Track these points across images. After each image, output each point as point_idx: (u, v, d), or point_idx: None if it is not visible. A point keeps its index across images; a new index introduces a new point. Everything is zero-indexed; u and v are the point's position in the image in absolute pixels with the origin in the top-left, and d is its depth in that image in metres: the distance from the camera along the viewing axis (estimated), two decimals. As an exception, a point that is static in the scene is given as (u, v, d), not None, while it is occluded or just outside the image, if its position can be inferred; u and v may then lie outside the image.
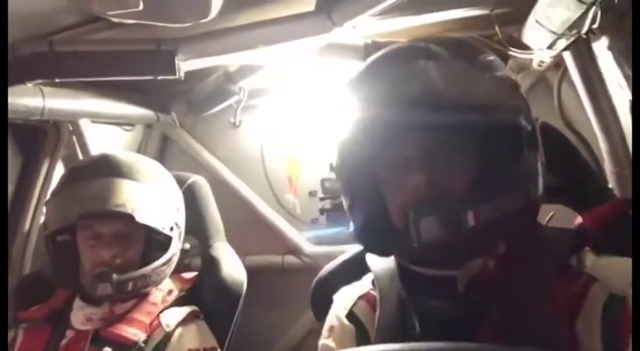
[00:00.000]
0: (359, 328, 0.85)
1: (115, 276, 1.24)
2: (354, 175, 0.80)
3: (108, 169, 1.30)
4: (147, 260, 1.32)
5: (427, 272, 0.74)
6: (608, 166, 1.41)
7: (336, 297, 0.94)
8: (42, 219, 1.83)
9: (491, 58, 0.76)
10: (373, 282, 0.88)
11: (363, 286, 0.92)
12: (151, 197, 1.31)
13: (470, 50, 0.76)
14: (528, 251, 0.73)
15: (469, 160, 0.72)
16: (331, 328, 0.90)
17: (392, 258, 0.84)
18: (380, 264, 0.87)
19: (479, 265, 0.72)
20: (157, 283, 1.36)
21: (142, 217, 1.26)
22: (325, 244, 2.09)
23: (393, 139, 0.73)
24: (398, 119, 0.70)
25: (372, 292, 0.88)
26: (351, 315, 0.88)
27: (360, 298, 0.89)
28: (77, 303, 1.33)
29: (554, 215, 0.99)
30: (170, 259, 1.35)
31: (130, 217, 1.24)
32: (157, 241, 1.35)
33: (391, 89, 0.71)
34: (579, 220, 0.94)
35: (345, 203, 0.83)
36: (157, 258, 1.32)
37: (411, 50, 0.75)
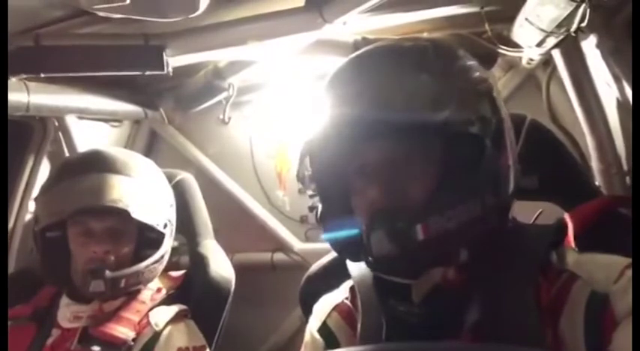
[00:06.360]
0: (329, 342, 0.85)
1: (108, 273, 1.22)
2: (325, 180, 0.79)
3: (101, 164, 1.28)
4: (139, 257, 1.31)
5: (389, 279, 0.74)
6: (594, 164, 1.42)
7: (315, 307, 0.94)
8: (27, 217, 1.81)
9: (469, 63, 0.74)
10: (352, 288, 0.88)
11: (340, 294, 0.91)
12: (145, 193, 1.30)
13: (444, 55, 0.74)
14: (501, 253, 0.72)
15: (429, 170, 0.71)
16: (306, 344, 0.91)
17: None
18: (360, 269, 0.86)
19: (438, 275, 0.72)
20: (148, 281, 1.34)
21: (137, 214, 1.24)
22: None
23: (356, 148, 0.73)
24: (356, 127, 0.70)
25: (346, 301, 0.88)
26: (324, 327, 0.88)
27: (334, 308, 0.89)
28: (64, 301, 1.31)
29: (542, 213, 1.00)
30: (162, 257, 1.34)
31: (123, 214, 1.23)
32: (149, 239, 1.34)
33: (353, 98, 0.70)
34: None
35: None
36: (149, 255, 1.31)
37: (379, 56, 0.75)
